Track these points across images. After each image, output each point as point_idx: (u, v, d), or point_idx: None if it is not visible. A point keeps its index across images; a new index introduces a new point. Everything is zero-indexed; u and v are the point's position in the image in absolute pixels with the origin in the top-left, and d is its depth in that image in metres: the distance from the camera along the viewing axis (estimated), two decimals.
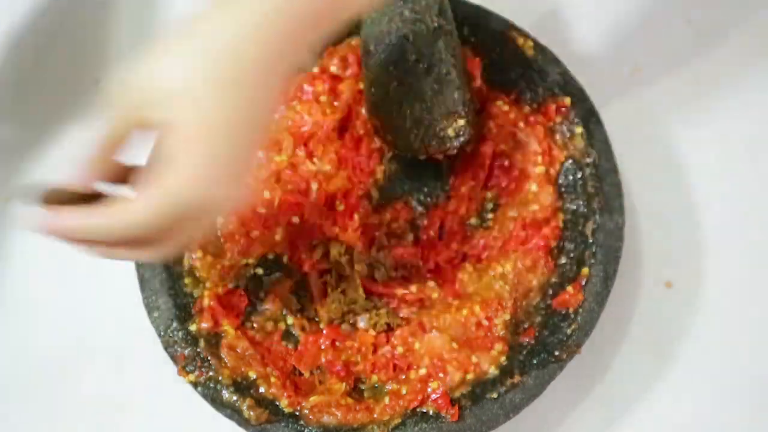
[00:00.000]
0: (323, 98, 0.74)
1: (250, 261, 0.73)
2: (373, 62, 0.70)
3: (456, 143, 0.71)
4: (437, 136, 0.71)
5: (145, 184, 0.53)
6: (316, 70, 0.76)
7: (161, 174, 0.52)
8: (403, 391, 0.69)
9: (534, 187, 0.73)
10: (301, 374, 0.71)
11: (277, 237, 0.73)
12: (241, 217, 0.73)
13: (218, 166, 0.53)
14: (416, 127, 0.71)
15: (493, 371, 0.69)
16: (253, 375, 0.69)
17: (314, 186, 0.73)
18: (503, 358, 0.69)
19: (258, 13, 0.53)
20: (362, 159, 0.75)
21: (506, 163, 0.74)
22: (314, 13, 0.55)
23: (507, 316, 0.70)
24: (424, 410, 0.68)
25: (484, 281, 0.72)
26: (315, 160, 0.74)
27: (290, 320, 0.72)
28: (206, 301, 0.70)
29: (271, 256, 0.74)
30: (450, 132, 0.71)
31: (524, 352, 0.69)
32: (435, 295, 0.72)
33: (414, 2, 0.68)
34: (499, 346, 0.69)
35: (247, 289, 0.73)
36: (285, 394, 0.68)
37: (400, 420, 0.67)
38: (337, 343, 0.71)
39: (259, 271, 0.73)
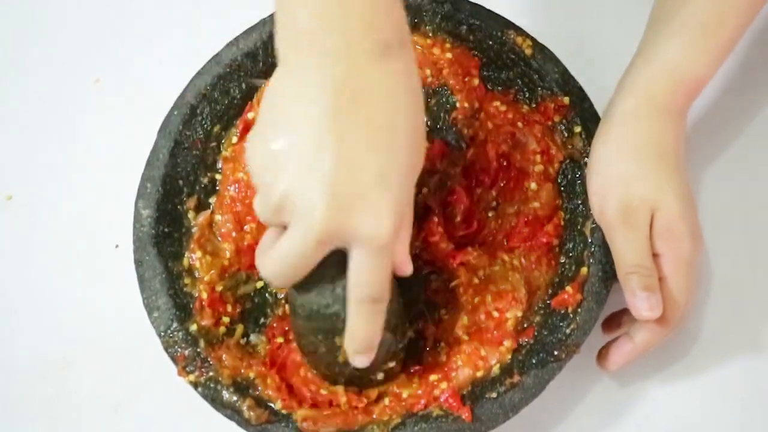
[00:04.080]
0: None
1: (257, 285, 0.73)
2: (304, 325, 0.65)
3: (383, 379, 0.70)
4: (368, 380, 0.69)
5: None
6: None
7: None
8: (404, 395, 0.69)
9: (533, 186, 0.73)
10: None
11: None
12: (236, 214, 0.73)
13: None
14: (346, 376, 0.68)
15: (495, 370, 0.69)
16: (252, 375, 0.69)
17: None
18: (509, 357, 0.69)
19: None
20: None
21: (504, 162, 0.74)
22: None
23: (519, 313, 0.70)
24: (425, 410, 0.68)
25: (497, 269, 0.72)
26: None
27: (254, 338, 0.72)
28: (204, 295, 0.71)
29: None
30: (380, 376, 0.69)
31: (523, 352, 0.69)
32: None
33: (343, 280, 0.61)
34: (508, 343, 0.69)
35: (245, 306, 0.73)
36: (280, 397, 0.68)
37: (399, 420, 0.67)
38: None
39: (260, 284, 0.73)
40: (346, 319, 0.61)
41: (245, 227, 0.73)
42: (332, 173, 0.54)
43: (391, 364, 0.69)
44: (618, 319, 0.71)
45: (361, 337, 0.61)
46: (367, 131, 0.55)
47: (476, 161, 0.74)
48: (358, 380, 0.69)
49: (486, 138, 0.74)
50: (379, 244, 0.57)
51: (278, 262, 0.58)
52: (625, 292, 0.66)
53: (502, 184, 0.74)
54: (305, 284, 0.62)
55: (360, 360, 0.62)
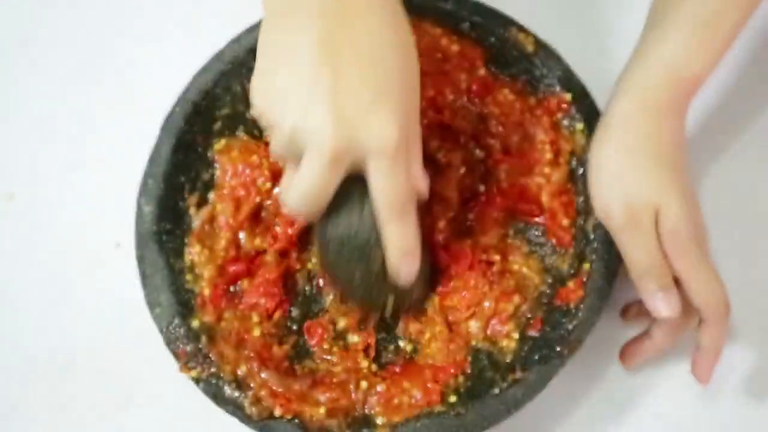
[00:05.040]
0: None
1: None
2: (336, 260, 0.67)
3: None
4: (408, 300, 0.70)
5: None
6: None
7: None
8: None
9: (546, 170, 0.73)
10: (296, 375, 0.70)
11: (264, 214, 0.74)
12: (236, 201, 0.73)
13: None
14: (384, 304, 0.69)
15: (498, 366, 0.68)
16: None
17: None
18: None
19: None
20: None
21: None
22: None
23: (521, 308, 0.70)
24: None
25: (498, 266, 0.72)
26: None
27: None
28: (206, 291, 0.70)
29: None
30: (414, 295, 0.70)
31: (526, 348, 0.69)
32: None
33: (368, 204, 0.63)
34: (509, 339, 0.69)
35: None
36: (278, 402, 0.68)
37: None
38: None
39: None
40: (379, 235, 0.62)
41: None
42: (333, 99, 0.58)
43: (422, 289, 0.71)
44: (636, 308, 0.72)
45: (400, 239, 0.62)
46: (358, 59, 0.59)
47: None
48: (398, 303, 0.70)
49: (490, 116, 0.74)
50: (389, 147, 0.59)
51: (299, 192, 0.60)
52: (642, 295, 0.66)
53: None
54: (332, 217, 0.64)
55: (406, 268, 0.63)
